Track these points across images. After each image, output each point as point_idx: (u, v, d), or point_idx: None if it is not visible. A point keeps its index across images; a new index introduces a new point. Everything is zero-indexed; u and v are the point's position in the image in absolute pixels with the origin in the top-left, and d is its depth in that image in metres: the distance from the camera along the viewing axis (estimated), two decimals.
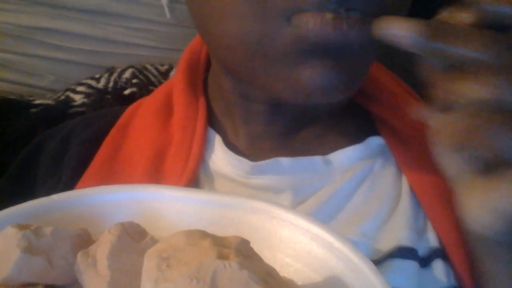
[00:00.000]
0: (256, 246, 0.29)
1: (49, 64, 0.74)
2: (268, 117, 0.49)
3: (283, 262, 0.33)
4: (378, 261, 0.43)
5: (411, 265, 0.43)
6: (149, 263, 0.25)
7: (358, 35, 0.37)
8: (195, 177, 0.47)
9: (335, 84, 0.39)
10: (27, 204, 0.35)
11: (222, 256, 0.25)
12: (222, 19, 0.40)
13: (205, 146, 0.49)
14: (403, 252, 0.43)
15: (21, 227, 0.29)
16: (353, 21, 0.36)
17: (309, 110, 0.50)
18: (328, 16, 0.36)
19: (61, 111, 0.68)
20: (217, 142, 0.49)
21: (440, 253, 0.44)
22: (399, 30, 0.31)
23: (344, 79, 0.40)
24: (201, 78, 0.54)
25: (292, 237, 0.33)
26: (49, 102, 0.70)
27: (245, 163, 0.47)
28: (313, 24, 0.36)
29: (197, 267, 0.24)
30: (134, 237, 0.29)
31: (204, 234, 0.27)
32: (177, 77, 0.54)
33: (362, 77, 0.43)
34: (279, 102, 0.47)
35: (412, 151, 0.49)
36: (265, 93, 0.46)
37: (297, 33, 0.37)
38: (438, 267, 0.44)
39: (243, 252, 0.26)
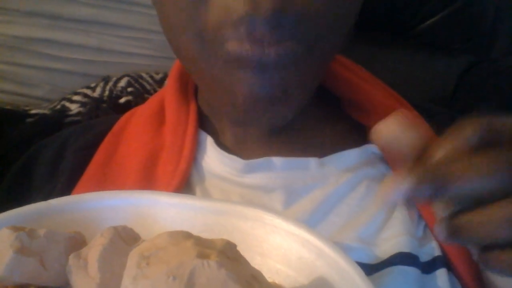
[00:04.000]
0: (248, 252, 0.30)
1: (45, 74, 0.74)
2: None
3: (274, 268, 0.33)
4: (379, 267, 0.43)
5: (412, 272, 0.42)
6: (130, 261, 0.25)
7: (275, 56, 0.40)
8: (187, 178, 0.47)
9: (265, 95, 0.42)
10: (25, 208, 0.35)
11: (202, 256, 0.25)
12: (175, 36, 0.45)
13: (197, 148, 0.50)
14: (404, 259, 0.43)
15: (16, 228, 0.30)
16: (269, 44, 0.39)
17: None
18: (246, 45, 0.40)
19: (57, 121, 0.68)
20: (209, 143, 0.50)
21: (444, 262, 0.44)
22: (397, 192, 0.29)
23: (273, 92, 0.42)
24: (192, 84, 0.55)
25: (284, 244, 0.33)
26: (45, 111, 0.70)
27: (237, 161, 0.48)
28: (235, 47, 0.40)
29: (176, 265, 0.25)
30: (127, 241, 0.30)
31: (188, 235, 0.28)
32: (169, 84, 0.55)
33: (298, 91, 0.44)
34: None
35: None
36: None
37: (226, 54, 0.41)
38: (442, 276, 0.44)
39: (228, 254, 0.27)
